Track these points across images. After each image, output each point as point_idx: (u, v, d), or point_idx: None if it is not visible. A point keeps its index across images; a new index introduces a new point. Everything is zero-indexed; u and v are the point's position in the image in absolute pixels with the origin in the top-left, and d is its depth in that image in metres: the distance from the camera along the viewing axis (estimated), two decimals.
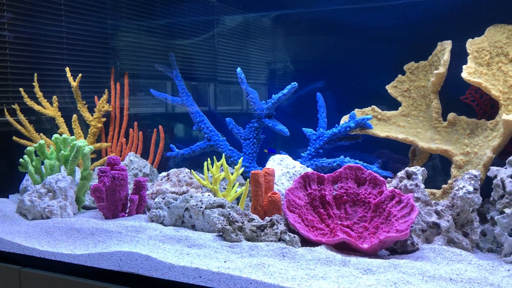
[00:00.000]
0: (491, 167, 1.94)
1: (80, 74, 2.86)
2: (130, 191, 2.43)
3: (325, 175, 2.05)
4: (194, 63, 3.06)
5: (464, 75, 2.07)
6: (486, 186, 1.98)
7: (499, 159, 2.08)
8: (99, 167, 2.35)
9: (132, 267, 1.64)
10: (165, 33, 3.06)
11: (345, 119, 2.40)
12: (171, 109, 3.12)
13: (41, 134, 2.86)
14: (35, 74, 2.83)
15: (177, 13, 3.02)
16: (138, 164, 2.74)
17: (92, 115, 2.96)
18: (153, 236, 1.93)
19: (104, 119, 2.97)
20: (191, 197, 2.11)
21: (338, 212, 2.00)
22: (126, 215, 2.31)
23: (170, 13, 3.04)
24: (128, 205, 2.32)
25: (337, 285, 1.41)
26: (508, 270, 1.57)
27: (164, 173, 2.54)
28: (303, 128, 2.49)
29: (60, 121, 2.91)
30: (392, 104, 2.38)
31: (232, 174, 2.35)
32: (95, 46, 3.08)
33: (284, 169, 2.33)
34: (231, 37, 2.94)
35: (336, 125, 2.40)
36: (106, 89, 2.97)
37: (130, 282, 1.63)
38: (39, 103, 2.86)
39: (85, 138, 2.94)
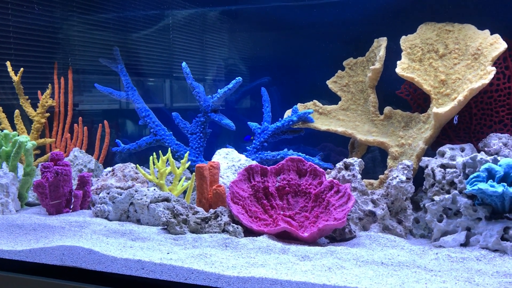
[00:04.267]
0: (423, 158, 2.05)
1: (22, 69, 2.80)
2: (74, 187, 2.41)
3: (268, 167, 2.11)
4: (141, 58, 3.05)
5: (398, 70, 2.18)
6: (420, 175, 2.09)
7: (432, 150, 2.20)
8: (43, 163, 2.32)
9: (75, 261, 1.64)
10: (116, 27, 3.03)
11: (288, 113, 2.47)
12: (121, 105, 3.09)
13: None
14: None
15: (127, 6, 2.99)
16: (83, 159, 2.72)
17: (35, 111, 2.90)
18: (97, 230, 1.94)
19: (47, 114, 2.93)
20: (136, 191, 2.12)
21: (280, 202, 2.06)
22: (70, 210, 2.30)
23: (120, 6, 3.01)
24: (73, 201, 2.31)
25: (275, 272, 1.47)
26: (436, 254, 1.68)
27: (109, 168, 2.53)
28: (248, 122, 2.54)
29: (2, 116, 2.84)
30: (332, 98, 2.47)
31: (178, 168, 2.37)
32: (39, 40, 3.01)
33: (230, 163, 2.37)
34: (179, 31, 2.95)
35: (280, 119, 2.46)
36: (49, 84, 2.92)
37: (72, 276, 1.63)
38: None
39: (28, 134, 2.89)
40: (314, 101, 2.48)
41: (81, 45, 3.09)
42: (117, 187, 2.37)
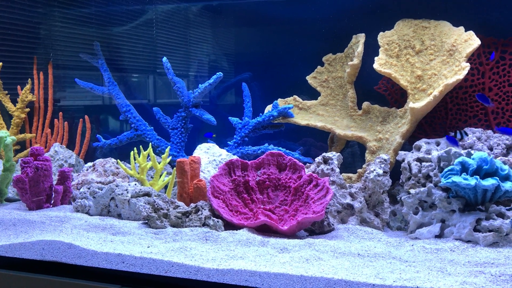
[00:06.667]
0: (400, 152, 2.10)
1: (0, 63, 2.77)
2: (55, 182, 2.40)
3: (249, 162, 2.13)
4: (123, 53, 3.04)
5: (375, 66, 2.21)
6: (397, 169, 2.14)
7: (409, 144, 2.24)
8: (23, 158, 2.31)
9: (55, 256, 1.65)
10: (97, 22, 3.01)
11: (268, 108, 2.49)
12: (102, 100, 3.08)
13: None
14: None
15: (108, 0, 2.97)
16: (63, 154, 2.71)
17: (15, 106, 2.88)
18: (78, 225, 1.94)
19: (27, 110, 2.90)
20: (116, 186, 2.13)
21: (261, 196, 2.09)
22: (51, 206, 2.29)
23: (101, 0, 2.99)
24: (53, 196, 2.30)
25: (254, 264, 1.50)
26: (412, 245, 1.72)
27: (90, 163, 2.53)
28: (229, 117, 2.56)
29: None
30: (312, 94, 2.50)
31: (159, 164, 2.38)
32: (19, 35, 2.97)
33: (211, 157, 2.39)
34: (161, 26, 2.94)
35: (261, 114, 2.48)
36: (29, 79, 2.90)
37: (53, 271, 1.64)
38: None
39: (8, 129, 2.86)
40: (294, 96, 2.51)
41: (61, 40, 3.07)
42: (98, 182, 2.37)
